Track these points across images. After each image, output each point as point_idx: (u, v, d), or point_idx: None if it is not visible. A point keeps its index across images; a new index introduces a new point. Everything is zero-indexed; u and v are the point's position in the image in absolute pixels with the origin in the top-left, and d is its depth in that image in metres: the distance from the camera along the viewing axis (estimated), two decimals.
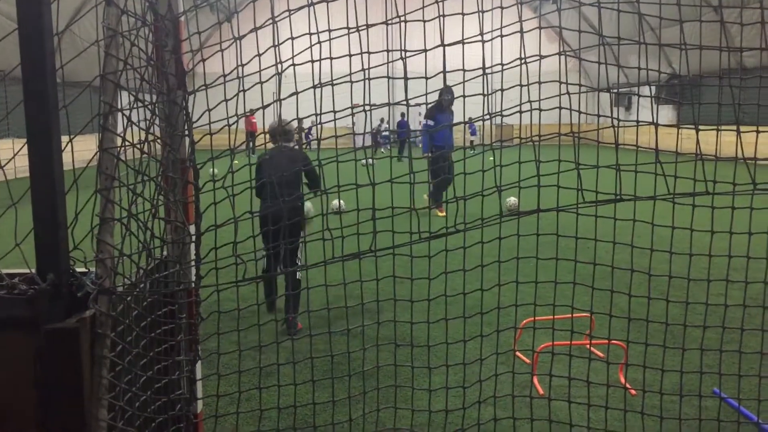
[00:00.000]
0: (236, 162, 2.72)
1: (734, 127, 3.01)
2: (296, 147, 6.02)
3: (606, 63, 2.92)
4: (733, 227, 3.13)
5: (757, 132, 3.13)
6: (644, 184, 3.17)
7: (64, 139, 2.26)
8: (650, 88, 20.49)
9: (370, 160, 3.60)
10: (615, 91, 3.28)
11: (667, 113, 29.41)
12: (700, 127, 2.98)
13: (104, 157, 2.25)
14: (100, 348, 2.14)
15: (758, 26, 2.99)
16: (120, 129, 2.33)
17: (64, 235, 2.20)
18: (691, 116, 2.94)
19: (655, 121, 3.04)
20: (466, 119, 3.05)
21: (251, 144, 28.25)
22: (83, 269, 2.28)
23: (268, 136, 5.85)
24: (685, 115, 26.69)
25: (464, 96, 2.88)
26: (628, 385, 4.21)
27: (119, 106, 2.31)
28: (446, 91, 10.64)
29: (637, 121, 2.95)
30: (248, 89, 2.73)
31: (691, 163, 3.10)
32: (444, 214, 11.05)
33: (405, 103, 2.85)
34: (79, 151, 2.53)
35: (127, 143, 2.39)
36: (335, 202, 10.73)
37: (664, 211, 3.16)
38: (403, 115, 27.25)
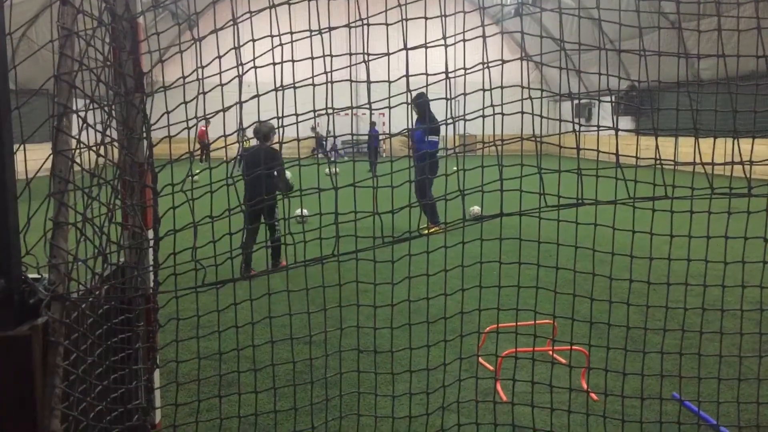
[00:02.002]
0: (197, 171, 2.67)
1: (692, 137, 3.06)
2: (274, 146, 7.71)
3: (567, 69, 2.94)
4: (691, 233, 3.17)
5: (714, 139, 3.18)
6: (605, 191, 3.20)
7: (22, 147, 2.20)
8: (611, 97, 20.85)
9: (334, 169, 3.58)
10: (576, 94, 3.31)
11: (626, 124, 29.92)
12: (659, 134, 3.02)
13: (58, 159, 2.19)
14: (53, 356, 2.07)
15: (714, 40, 3.05)
16: (75, 131, 2.27)
17: (15, 240, 2.13)
18: (650, 128, 2.98)
19: (615, 126, 3.08)
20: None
21: (205, 154, 27.87)
22: (36, 275, 2.21)
23: (252, 134, 7.56)
24: (644, 126, 27.20)
25: (427, 101, 2.88)
26: (590, 390, 4.24)
27: (74, 108, 2.25)
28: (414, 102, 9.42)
29: (598, 126, 2.98)
30: (208, 92, 2.69)
31: (650, 173, 3.14)
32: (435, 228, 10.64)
33: (368, 106, 2.83)
34: (36, 159, 2.46)
35: (82, 146, 2.33)
36: (298, 210, 10.65)
37: (625, 218, 3.19)
38: (373, 123, 26.92)
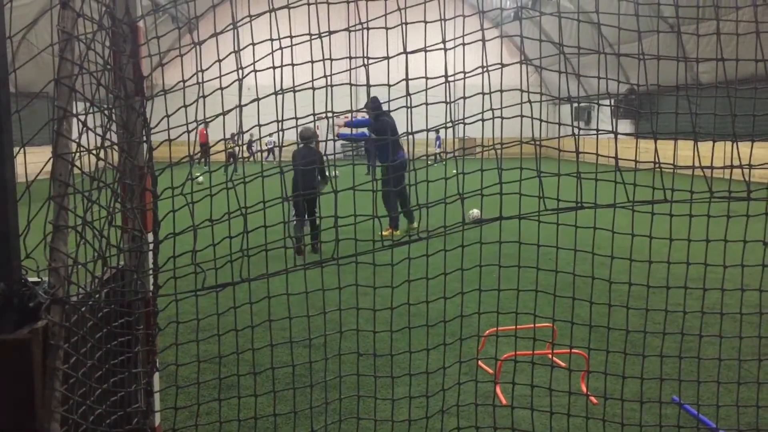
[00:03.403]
0: (200, 177, 2.67)
1: (691, 140, 3.07)
2: (315, 146, 9.22)
3: (566, 72, 2.95)
4: (691, 237, 3.18)
5: (713, 143, 3.19)
6: (604, 194, 3.20)
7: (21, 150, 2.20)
8: (610, 101, 20.85)
9: (333, 173, 3.59)
10: (576, 98, 3.31)
11: (625, 128, 29.95)
12: (658, 137, 3.03)
13: (58, 163, 2.19)
14: (53, 359, 2.07)
15: (713, 44, 3.05)
16: (75, 135, 2.27)
17: (15, 244, 2.13)
18: (649, 131, 2.99)
19: (614, 129, 3.08)
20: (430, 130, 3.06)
21: (205, 157, 28.00)
22: (36, 279, 2.22)
23: (299, 138, 8.92)
24: (643, 130, 27.21)
25: (426, 104, 2.89)
26: (589, 394, 4.24)
27: (75, 112, 2.26)
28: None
29: (597, 130, 2.99)
30: (208, 95, 2.69)
31: (649, 176, 3.15)
32: (393, 232, 10.70)
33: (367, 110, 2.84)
34: (36, 162, 2.47)
35: (82, 149, 2.33)
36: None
37: (624, 222, 3.19)
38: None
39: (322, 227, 9.67)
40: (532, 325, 3.56)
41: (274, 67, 2.83)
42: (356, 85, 2.77)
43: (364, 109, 8.86)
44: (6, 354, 2.00)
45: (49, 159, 2.20)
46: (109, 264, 2.54)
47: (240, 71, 2.74)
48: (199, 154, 28.20)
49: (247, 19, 2.74)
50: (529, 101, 3.10)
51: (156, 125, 2.67)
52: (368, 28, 2.82)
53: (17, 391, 2.02)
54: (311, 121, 2.90)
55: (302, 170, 8.37)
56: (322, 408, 3.96)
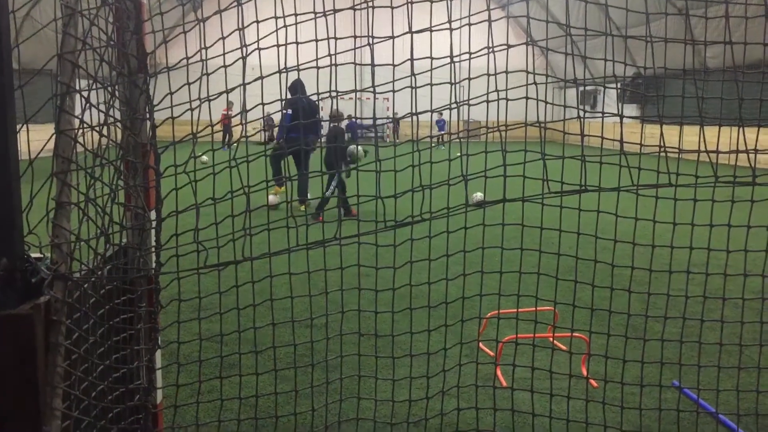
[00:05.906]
0: (203, 156, 2.66)
1: (697, 125, 3.05)
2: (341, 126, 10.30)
3: (573, 55, 2.93)
4: (694, 222, 3.16)
5: (719, 128, 3.17)
6: (609, 178, 3.19)
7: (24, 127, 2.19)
8: (616, 84, 20.71)
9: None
10: (581, 81, 3.29)
11: (631, 112, 29.81)
12: (664, 122, 3.01)
13: (61, 139, 2.19)
14: (55, 335, 2.08)
15: (721, 28, 3.03)
16: (78, 111, 2.26)
17: (18, 219, 2.13)
18: (655, 115, 2.97)
19: (620, 113, 3.06)
20: (433, 112, 3.04)
21: (228, 137, 27.97)
22: (38, 254, 2.22)
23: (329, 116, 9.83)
24: (649, 114, 27.08)
25: (431, 84, 2.87)
26: (589, 377, 4.25)
27: (78, 88, 2.24)
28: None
29: (603, 113, 2.97)
30: (212, 73, 2.68)
31: (654, 160, 3.13)
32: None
33: (372, 90, 2.82)
34: (39, 140, 2.46)
35: (85, 126, 2.32)
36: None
37: (628, 206, 3.18)
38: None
39: (325, 208, 10.05)
40: (534, 308, 3.56)
41: (278, 46, 2.81)
42: (361, 65, 2.75)
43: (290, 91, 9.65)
44: (8, 329, 2.00)
45: (52, 136, 2.19)
46: (112, 241, 2.54)
47: (244, 49, 2.72)
48: (227, 138, 28.18)
49: None
50: (535, 83, 3.08)
51: (159, 102, 2.65)
52: (373, 7, 2.80)
53: (19, 366, 2.02)
54: (314, 101, 2.89)
55: (334, 141, 9.98)
56: (323, 387, 3.98)
